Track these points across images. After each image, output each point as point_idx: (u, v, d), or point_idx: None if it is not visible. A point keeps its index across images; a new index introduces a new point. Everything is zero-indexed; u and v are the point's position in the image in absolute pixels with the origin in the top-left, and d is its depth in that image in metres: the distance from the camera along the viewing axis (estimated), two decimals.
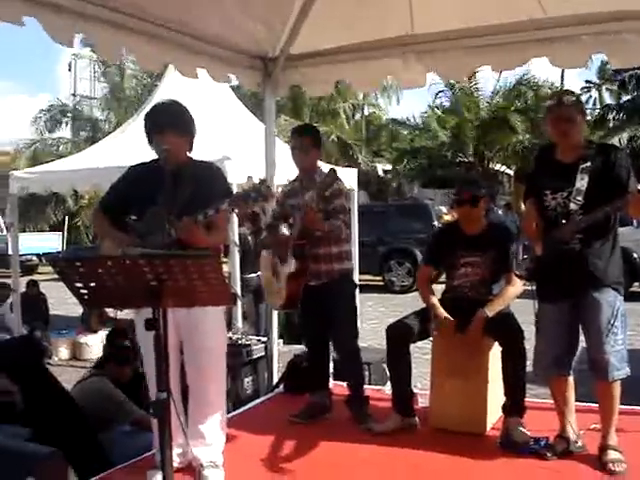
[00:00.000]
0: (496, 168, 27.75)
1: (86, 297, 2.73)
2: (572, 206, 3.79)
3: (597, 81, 26.86)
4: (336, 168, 4.72)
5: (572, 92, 4.14)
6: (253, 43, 5.52)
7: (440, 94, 27.12)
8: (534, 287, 4.08)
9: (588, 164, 3.80)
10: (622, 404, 3.96)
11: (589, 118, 25.09)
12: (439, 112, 27.68)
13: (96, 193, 11.31)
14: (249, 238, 9.58)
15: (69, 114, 29.93)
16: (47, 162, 13.54)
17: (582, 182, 3.78)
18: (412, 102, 79.45)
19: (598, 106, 26.76)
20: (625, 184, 3.72)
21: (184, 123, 3.77)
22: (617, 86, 25.71)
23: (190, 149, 3.84)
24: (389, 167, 30.15)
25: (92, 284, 2.66)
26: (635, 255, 13.09)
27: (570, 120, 3.84)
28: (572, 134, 3.86)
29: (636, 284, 13.51)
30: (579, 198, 3.77)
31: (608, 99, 28.30)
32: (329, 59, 5.61)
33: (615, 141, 20.41)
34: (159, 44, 4.67)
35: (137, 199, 3.69)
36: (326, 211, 4.54)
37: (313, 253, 4.64)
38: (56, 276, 2.68)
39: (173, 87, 9.15)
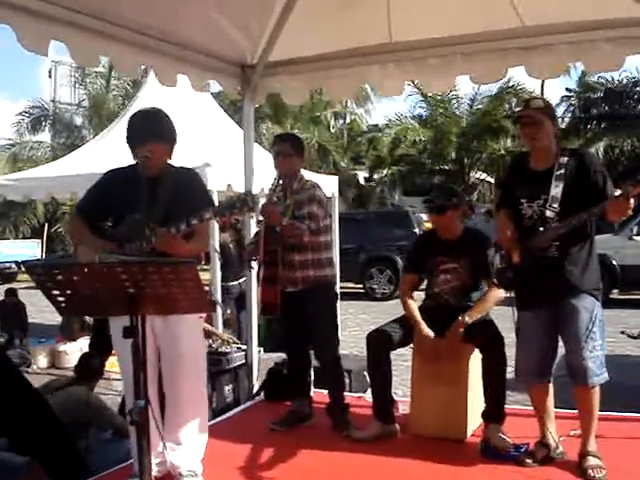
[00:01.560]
0: (476, 176, 27.88)
1: (63, 305, 2.71)
2: (548, 213, 3.80)
3: (577, 89, 27.05)
4: (317, 175, 4.75)
5: (541, 98, 4.16)
6: (232, 50, 5.50)
7: (417, 104, 27.30)
8: (513, 294, 4.10)
9: (562, 171, 3.82)
10: (601, 410, 3.97)
11: (566, 127, 25.33)
12: (413, 122, 27.77)
13: (74, 201, 11.27)
14: (231, 246, 9.56)
15: (50, 118, 29.86)
16: (25, 168, 13.47)
17: (557, 189, 3.80)
18: (394, 108, 79.47)
19: (580, 115, 26.91)
20: (602, 189, 3.74)
21: (165, 131, 3.73)
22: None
23: (170, 156, 3.82)
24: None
25: (69, 291, 2.64)
26: (614, 262, 13.21)
27: (536, 124, 3.86)
28: (539, 137, 3.88)
29: (615, 291, 13.63)
30: (555, 205, 3.79)
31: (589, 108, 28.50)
32: (307, 67, 5.61)
33: (592, 151, 20.60)
34: (137, 50, 4.64)
35: (114, 205, 3.67)
36: (296, 217, 4.58)
37: (288, 260, 4.65)
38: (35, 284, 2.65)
39: (153, 95, 9.13)
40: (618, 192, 3.54)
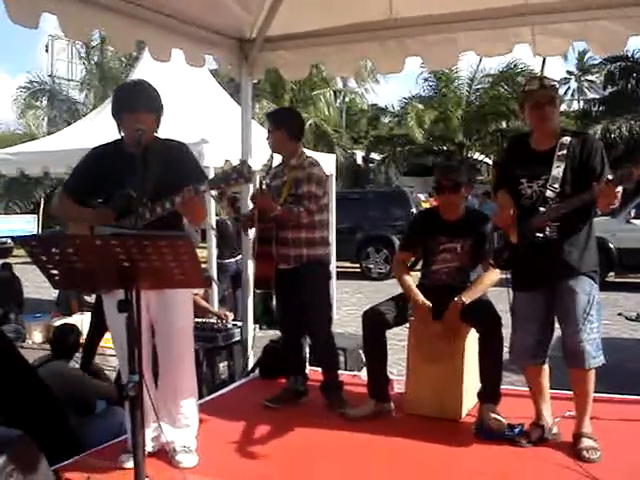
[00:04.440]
0: (475, 157, 27.84)
1: (57, 278, 2.68)
2: (549, 193, 3.77)
3: (577, 72, 27.01)
4: (314, 153, 4.71)
5: (549, 78, 4.10)
6: (230, 24, 5.44)
7: (424, 82, 27.15)
8: (509, 275, 4.08)
9: (564, 151, 3.78)
10: (596, 392, 3.97)
11: (568, 108, 25.31)
12: (418, 105, 27.58)
13: None
14: (228, 223, 9.54)
15: (47, 94, 29.83)
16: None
17: (558, 169, 3.76)
18: (395, 87, 79.12)
19: (576, 97, 26.91)
20: (599, 175, 3.70)
21: (155, 102, 3.68)
22: (604, 76, 25.83)
23: (158, 128, 3.75)
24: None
25: (63, 265, 2.61)
26: (611, 245, 13.20)
27: (552, 103, 3.82)
28: (553, 118, 3.84)
29: (611, 274, 13.65)
30: (555, 185, 3.75)
31: (587, 91, 28.47)
32: (306, 42, 5.55)
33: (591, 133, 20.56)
34: (132, 22, 4.56)
35: (103, 181, 3.62)
36: (295, 196, 4.57)
37: (282, 237, 4.63)
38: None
39: (150, 69, 9.05)
40: (610, 177, 3.52)
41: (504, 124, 26.28)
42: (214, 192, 3.95)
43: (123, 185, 3.45)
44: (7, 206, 27.10)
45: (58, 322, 9.49)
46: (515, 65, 24.82)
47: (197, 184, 3.40)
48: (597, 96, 26.26)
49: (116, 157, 3.58)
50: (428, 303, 4.43)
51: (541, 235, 3.76)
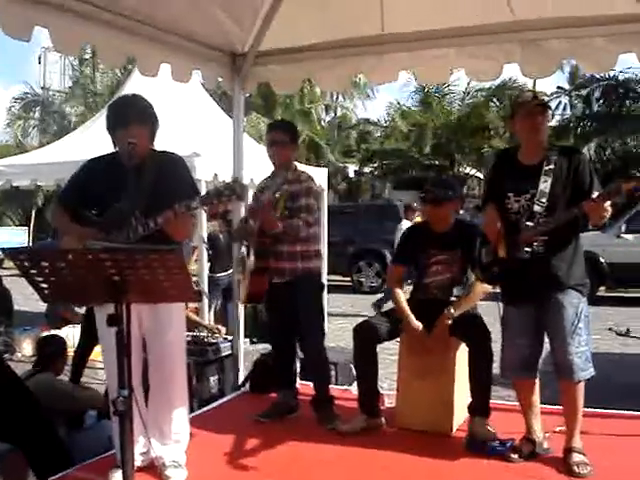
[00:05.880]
0: (466, 171, 27.91)
1: (46, 292, 2.67)
2: (536, 208, 3.78)
3: (568, 87, 27.10)
4: (306, 167, 4.71)
5: (541, 92, 4.14)
6: (223, 38, 5.46)
7: (412, 93, 27.33)
8: (499, 289, 4.09)
9: (552, 166, 3.81)
10: (586, 407, 3.97)
11: (558, 124, 25.40)
12: (405, 107, 27.76)
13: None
14: (220, 237, 9.54)
15: (39, 105, 29.87)
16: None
17: (545, 184, 3.78)
18: (385, 103, 79.40)
19: (568, 112, 27.02)
20: (588, 190, 3.73)
21: (147, 116, 3.68)
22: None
23: (152, 141, 3.75)
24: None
25: (52, 278, 2.60)
26: (602, 259, 13.24)
27: (543, 114, 3.85)
28: (543, 129, 3.87)
29: (602, 288, 13.68)
30: (543, 200, 3.77)
31: (580, 106, 28.55)
32: (298, 57, 5.56)
33: (584, 151, 20.64)
34: (123, 36, 4.55)
35: (98, 194, 3.62)
36: (291, 209, 4.55)
37: (277, 250, 4.63)
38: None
39: (142, 82, 9.04)
40: (596, 194, 3.55)
41: (497, 140, 26.40)
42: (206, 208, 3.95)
43: (117, 198, 3.45)
44: (0, 218, 27.10)
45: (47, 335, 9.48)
46: (507, 81, 24.93)
47: (188, 200, 3.40)
48: (579, 114, 26.32)
49: (111, 170, 3.58)
50: (420, 326, 4.44)
51: (529, 249, 3.77)
